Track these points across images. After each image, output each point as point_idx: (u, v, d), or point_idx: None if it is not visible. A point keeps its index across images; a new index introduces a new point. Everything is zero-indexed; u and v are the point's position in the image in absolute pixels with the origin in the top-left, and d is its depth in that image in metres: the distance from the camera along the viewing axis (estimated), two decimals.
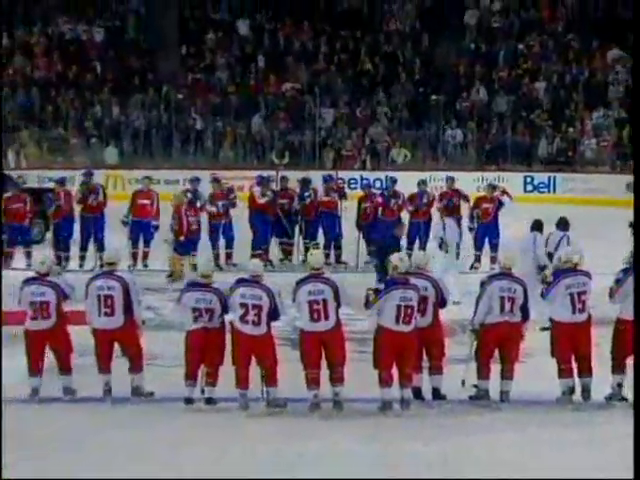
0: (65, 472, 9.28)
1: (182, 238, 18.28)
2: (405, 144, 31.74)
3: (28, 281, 11.65)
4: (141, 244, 19.51)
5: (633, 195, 16.31)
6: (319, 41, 34.19)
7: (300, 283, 11.19)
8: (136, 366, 11.38)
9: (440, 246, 17.83)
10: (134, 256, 19.30)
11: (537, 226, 15.82)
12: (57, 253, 18.85)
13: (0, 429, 9.60)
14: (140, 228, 19.38)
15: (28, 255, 19.33)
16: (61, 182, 20.48)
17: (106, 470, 9.38)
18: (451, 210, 19.11)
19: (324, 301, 10.97)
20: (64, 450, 9.95)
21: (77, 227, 19.69)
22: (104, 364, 11.38)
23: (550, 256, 14.77)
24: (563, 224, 16.05)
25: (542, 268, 14.67)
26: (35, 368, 11.45)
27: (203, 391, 11.14)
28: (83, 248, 19.50)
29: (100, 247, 18.79)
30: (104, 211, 19.70)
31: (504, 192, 19.64)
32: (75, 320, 11.85)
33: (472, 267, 18.80)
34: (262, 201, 19.25)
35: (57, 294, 11.42)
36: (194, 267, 16.66)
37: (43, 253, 14.84)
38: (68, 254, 19.37)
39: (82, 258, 19.35)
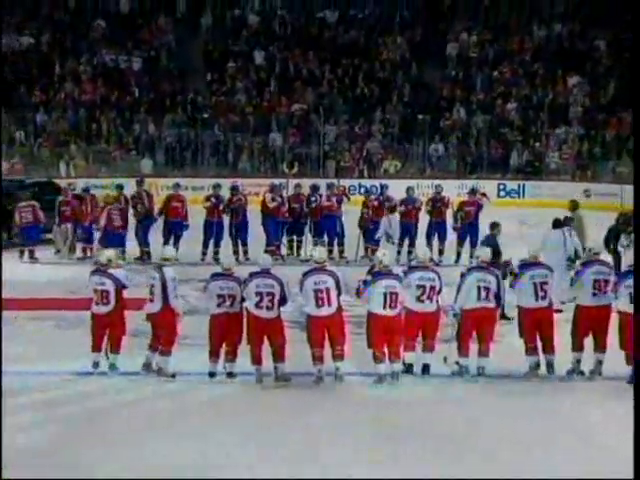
0: (106, 436, 9.35)
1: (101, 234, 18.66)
2: (396, 156, 31.72)
3: (93, 272, 11.61)
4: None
5: (633, 197, 16.19)
6: (323, 68, 34.15)
7: (306, 275, 11.19)
8: (164, 349, 11.23)
9: (387, 240, 17.86)
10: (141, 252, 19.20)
11: (560, 224, 15.47)
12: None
13: (0, 430, 8.76)
14: (172, 227, 19.35)
15: (90, 250, 19.31)
16: (120, 188, 19.95)
17: (142, 432, 9.47)
18: (437, 213, 19.10)
19: (327, 290, 10.98)
20: (109, 415, 10.04)
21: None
22: (152, 343, 11.32)
23: None
24: (569, 220, 15.90)
25: (572, 260, 14.54)
26: (97, 345, 11.39)
27: (225, 367, 11.16)
28: (140, 244, 19.25)
29: (145, 244, 19.06)
30: (153, 214, 19.54)
31: (483, 194, 19.53)
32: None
33: (456, 261, 18.59)
34: (272, 205, 19.19)
35: (115, 284, 11.35)
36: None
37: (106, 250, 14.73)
38: (124, 249, 18.97)
39: (142, 252, 19.07)
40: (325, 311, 10.99)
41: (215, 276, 11.38)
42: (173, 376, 11.23)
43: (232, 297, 11.10)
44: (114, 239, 18.19)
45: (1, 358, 10.75)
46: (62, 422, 9.81)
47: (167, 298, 11.18)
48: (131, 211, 19.51)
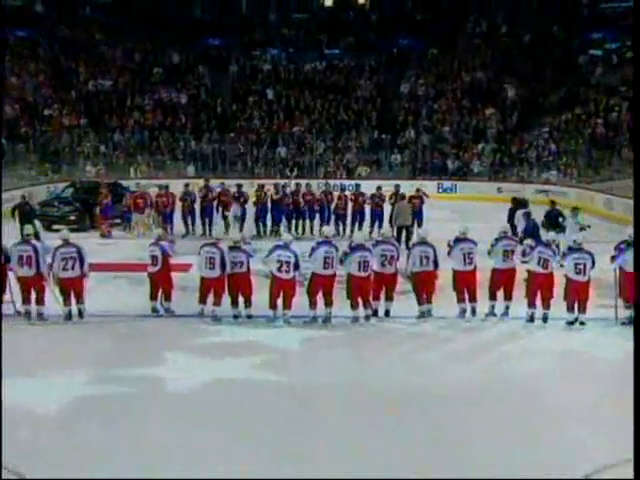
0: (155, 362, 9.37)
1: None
2: (367, 164, 31.66)
3: (150, 244, 11.53)
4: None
5: (633, 200, 15.81)
6: (315, 102, 34.06)
7: (319, 244, 11.21)
8: (217, 302, 11.12)
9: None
10: (205, 231, 19.04)
11: (522, 204, 16.09)
12: (186, 228, 18.87)
13: (0, 433, 6.99)
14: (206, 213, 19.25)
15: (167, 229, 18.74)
16: (187, 185, 19.70)
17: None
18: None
19: (333, 257, 11.02)
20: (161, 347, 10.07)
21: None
22: (203, 299, 11.14)
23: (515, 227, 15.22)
24: (523, 204, 16.21)
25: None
26: (154, 295, 11.31)
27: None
28: (203, 224, 19.02)
29: (210, 224, 18.75)
30: (213, 204, 19.17)
31: (424, 194, 19.39)
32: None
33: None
34: (276, 197, 19.11)
35: (162, 251, 11.26)
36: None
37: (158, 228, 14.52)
38: (194, 227, 19.02)
39: (204, 231, 18.74)
40: (329, 272, 11.00)
41: (229, 248, 11.23)
42: (219, 320, 11.11)
43: (240, 263, 11.04)
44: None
45: (1, 369, 8.59)
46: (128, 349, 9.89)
47: (224, 266, 10.99)
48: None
